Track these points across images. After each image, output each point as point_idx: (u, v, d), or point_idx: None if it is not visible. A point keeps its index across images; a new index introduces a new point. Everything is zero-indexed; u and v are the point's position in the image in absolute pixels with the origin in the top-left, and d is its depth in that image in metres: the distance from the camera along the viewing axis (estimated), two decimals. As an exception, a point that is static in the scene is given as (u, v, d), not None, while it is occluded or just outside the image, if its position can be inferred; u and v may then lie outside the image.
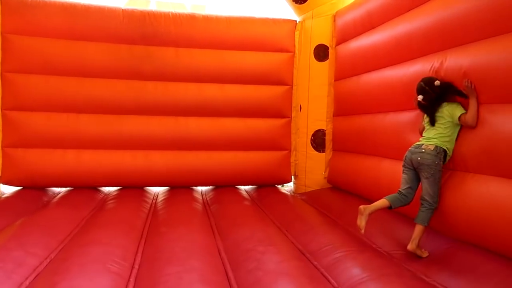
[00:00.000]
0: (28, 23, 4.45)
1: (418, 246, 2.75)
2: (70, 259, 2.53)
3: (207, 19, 4.90)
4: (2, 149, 4.48)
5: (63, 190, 4.73)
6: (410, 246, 2.73)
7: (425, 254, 2.75)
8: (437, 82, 2.86)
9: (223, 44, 4.91)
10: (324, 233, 3.21)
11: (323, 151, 5.11)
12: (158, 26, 4.75)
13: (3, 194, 4.48)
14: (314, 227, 3.40)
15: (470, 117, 2.66)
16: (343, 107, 4.77)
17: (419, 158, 2.82)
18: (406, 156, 2.95)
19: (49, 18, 4.50)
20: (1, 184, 4.63)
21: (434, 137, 2.84)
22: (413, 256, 2.76)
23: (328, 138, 5.08)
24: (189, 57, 4.85)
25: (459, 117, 2.73)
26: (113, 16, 4.65)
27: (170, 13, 4.83)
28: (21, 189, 4.58)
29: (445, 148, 2.79)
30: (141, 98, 4.77)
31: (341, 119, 4.82)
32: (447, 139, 2.80)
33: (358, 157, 4.33)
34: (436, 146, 2.79)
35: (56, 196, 4.46)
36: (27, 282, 2.32)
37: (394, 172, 3.56)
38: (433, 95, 2.86)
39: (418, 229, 2.77)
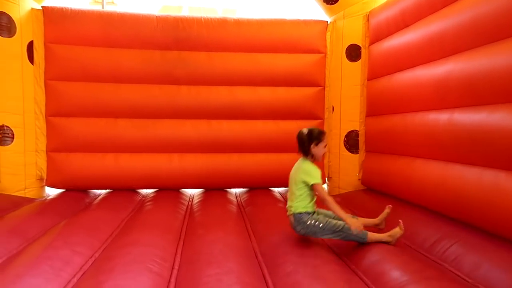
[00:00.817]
0: (68, 33, 4.65)
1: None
2: (113, 259, 2.63)
3: (239, 23, 4.95)
4: (47, 153, 4.70)
5: (103, 192, 4.91)
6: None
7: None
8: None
9: (254, 47, 4.95)
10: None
11: (357, 152, 5.05)
12: (191, 31, 4.85)
13: (48, 196, 4.71)
14: (349, 229, 3.36)
15: None
16: (375, 107, 4.71)
17: None
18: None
19: (87, 27, 4.68)
20: (46, 187, 4.86)
21: None
22: (454, 258, 2.69)
23: (362, 139, 5.02)
24: (221, 60, 4.92)
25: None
26: (147, 23, 4.78)
27: (202, 18, 4.91)
28: (65, 191, 4.79)
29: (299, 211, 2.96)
30: (174, 102, 4.88)
31: (374, 119, 4.76)
32: None
33: (391, 157, 4.27)
34: None
35: (97, 197, 4.64)
36: (74, 280, 2.42)
37: (426, 171, 3.52)
38: None
39: None
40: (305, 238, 3.12)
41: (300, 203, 2.93)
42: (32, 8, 4.62)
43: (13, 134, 4.53)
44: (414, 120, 3.78)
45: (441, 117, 3.32)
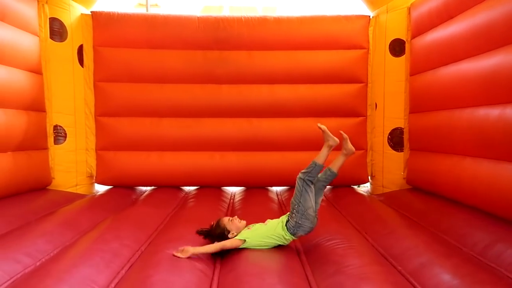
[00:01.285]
0: (115, 36, 4.84)
1: None
2: (159, 253, 2.70)
3: (279, 20, 4.94)
4: (96, 152, 4.93)
5: (148, 188, 5.08)
6: None
7: None
8: None
9: (295, 45, 4.92)
10: (407, 235, 3.07)
11: (401, 150, 4.89)
12: (231, 31, 4.89)
13: (97, 192, 4.94)
14: (395, 229, 3.27)
15: None
16: (419, 103, 4.53)
17: None
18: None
19: (133, 30, 4.85)
20: (95, 184, 5.10)
21: None
22: (509, 261, 2.53)
23: (406, 136, 4.86)
24: (261, 59, 4.93)
25: None
26: (189, 24, 4.88)
27: (242, 17, 4.95)
28: (113, 187, 5.00)
29: None
30: (216, 101, 4.96)
31: (418, 116, 4.58)
32: None
33: (438, 155, 4.09)
34: None
35: (142, 194, 4.81)
36: (123, 272, 2.52)
37: (476, 170, 3.34)
38: None
39: None
40: (348, 239, 3.06)
41: None
42: (81, 14, 4.85)
43: (65, 134, 4.79)
44: (462, 117, 3.59)
45: (491, 113, 3.13)
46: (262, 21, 4.93)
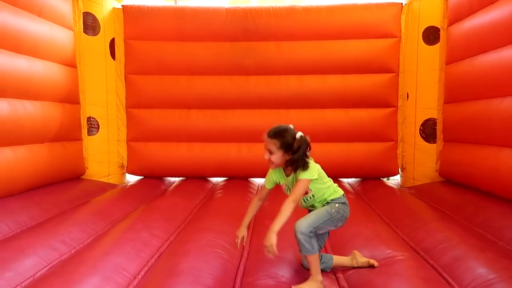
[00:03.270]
0: (145, 29, 4.91)
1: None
2: (187, 242, 2.76)
3: (307, 10, 4.86)
4: (127, 143, 5.05)
5: (177, 179, 5.17)
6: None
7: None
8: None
9: (324, 34, 4.83)
10: (439, 229, 2.98)
11: (434, 142, 4.74)
12: (259, 21, 4.86)
13: (128, 182, 5.08)
14: (427, 222, 3.17)
15: None
16: (455, 93, 4.36)
17: None
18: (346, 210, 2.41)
19: (162, 22, 4.91)
20: (127, 174, 5.24)
21: None
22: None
23: (439, 127, 4.70)
24: (290, 49, 4.88)
25: None
26: (218, 15, 4.89)
27: (270, 8, 4.90)
28: (143, 178, 5.12)
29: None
30: (244, 92, 4.96)
31: (453, 106, 4.41)
32: None
33: (474, 147, 3.94)
34: None
35: (171, 185, 4.90)
36: (152, 260, 2.58)
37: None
38: None
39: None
40: (377, 233, 3.00)
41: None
42: (113, 8, 4.95)
43: (98, 125, 4.93)
44: (501, 106, 3.44)
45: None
46: (290, 11, 4.87)
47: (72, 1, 4.59)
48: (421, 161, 4.81)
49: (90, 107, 4.88)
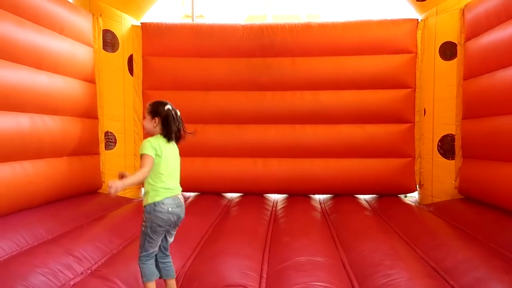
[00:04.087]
0: (163, 46, 5.00)
1: None
2: (204, 269, 2.66)
3: (323, 26, 4.89)
4: (143, 157, 5.08)
5: (192, 194, 5.17)
6: None
7: None
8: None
9: (339, 50, 4.85)
10: (460, 248, 2.91)
11: (453, 158, 4.66)
12: (275, 38, 4.91)
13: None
14: (447, 241, 3.10)
15: None
16: (474, 109, 4.30)
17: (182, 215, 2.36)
18: (173, 213, 2.29)
19: (180, 39, 5.00)
20: (142, 188, 5.25)
21: None
22: None
23: (458, 143, 4.62)
24: (305, 65, 4.90)
25: None
26: (234, 32, 4.95)
27: (286, 24, 4.95)
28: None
29: None
30: (259, 107, 4.98)
31: (472, 122, 4.35)
32: None
33: (494, 163, 3.86)
34: None
35: (186, 200, 4.89)
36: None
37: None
38: None
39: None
40: (394, 250, 2.93)
41: None
42: (132, 25, 5.07)
43: (115, 140, 4.99)
44: (523, 122, 3.37)
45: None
46: (306, 28, 4.91)
47: (93, 19, 4.71)
48: (439, 177, 4.73)
49: (108, 122, 4.96)
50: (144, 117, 2.45)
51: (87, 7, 4.67)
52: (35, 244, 3.02)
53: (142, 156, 2.25)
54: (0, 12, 3.29)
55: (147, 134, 2.41)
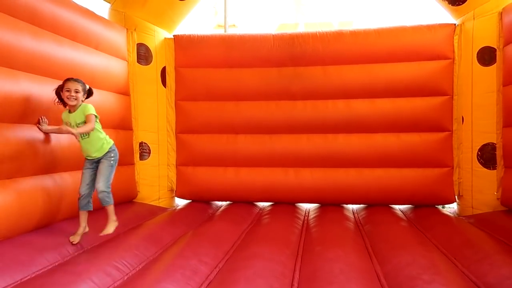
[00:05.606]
0: (195, 57, 5.09)
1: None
2: (236, 271, 2.74)
3: (355, 34, 4.83)
4: (176, 167, 5.18)
5: (224, 203, 5.21)
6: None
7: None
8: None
9: (372, 58, 4.77)
10: (505, 263, 2.77)
11: (494, 168, 4.46)
12: (306, 47, 4.88)
13: (177, 206, 5.19)
14: (490, 255, 2.96)
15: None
16: (517, 116, 4.11)
17: None
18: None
19: (211, 50, 5.07)
20: (176, 197, 5.36)
21: None
22: None
23: (499, 152, 4.42)
24: (337, 74, 4.85)
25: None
26: (265, 42, 4.97)
27: (317, 33, 4.92)
28: (191, 202, 5.21)
29: None
30: (291, 117, 4.96)
31: (515, 130, 4.16)
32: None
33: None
34: None
35: (219, 209, 4.94)
36: (201, 288, 2.59)
37: None
38: None
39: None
40: (433, 263, 2.83)
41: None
42: (165, 38, 5.20)
43: (149, 150, 5.11)
44: None
45: None
46: (338, 36, 4.86)
47: (127, 34, 4.86)
48: (480, 188, 4.53)
49: (142, 133, 5.09)
50: (78, 92, 3.18)
51: (123, 22, 4.83)
52: (76, 254, 3.13)
53: (90, 115, 3.17)
54: (40, 31, 3.45)
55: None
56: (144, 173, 5.10)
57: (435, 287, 2.43)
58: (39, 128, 3.32)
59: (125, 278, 2.74)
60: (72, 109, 3.21)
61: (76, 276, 2.55)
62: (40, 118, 3.34)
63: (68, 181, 3.73)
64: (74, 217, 3.73)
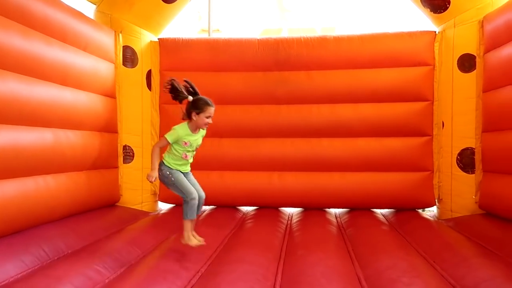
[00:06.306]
0: (179, 60, 5.09)
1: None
2: (218, 275, 2.74)
3: (338, 40, 4.90)
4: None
5: (207, 208, 5.19)
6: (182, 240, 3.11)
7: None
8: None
9: (355, 63, 4.84)
10: (482, 265, 2.83)
11: (473, 172, 4.56)
12: (290, 51, 4.93)
13: (160, 210, 5.15)
14: (468, 258, 3.02)
15: None
16: (495, 122, 4.21)
17: None
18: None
19: (196, 54, 5.07)
20: (159, 202, 5.32)
21: None
22: None
23: (478, 157, 4.53)
24: (321, 78, 4.90)
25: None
26: (250, 46, 5.01)
27: (302, 38, 4.98)
28: (174, 206, 5.17)
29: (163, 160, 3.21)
30: (275, 121, 4.99)
31: (493, 135, 4.26)
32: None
33: (517, 178, 3.76)
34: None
35: (202, 213, 4.91)
36: (183, 293, 2.58)
37: None
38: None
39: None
40: (413, 266, 2.89)
41: (166, 155, 3.28)
42: (150, 41, 5.18)
43: (133, 153, 5.08)
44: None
45: None
46: (322, 41, 4.92)
47: (115, 36, 4.84)
48: (459, 192, 4.63)
49: (126, 136, 5.05)
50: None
51: (109, 24, 4.80)
52: (56, 258, 3.09)
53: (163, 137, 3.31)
54: (30, 32, 3.42)
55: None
56: (127, 176, 5.06)
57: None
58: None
59: (106, 281, 2.71)
60: (194, 130, 3.24)
61: (56, 279, 2.52)
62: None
63: (51, 184, 3.69)
64: (53, 221, 3.70)
